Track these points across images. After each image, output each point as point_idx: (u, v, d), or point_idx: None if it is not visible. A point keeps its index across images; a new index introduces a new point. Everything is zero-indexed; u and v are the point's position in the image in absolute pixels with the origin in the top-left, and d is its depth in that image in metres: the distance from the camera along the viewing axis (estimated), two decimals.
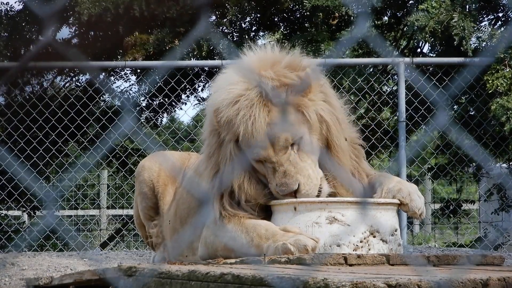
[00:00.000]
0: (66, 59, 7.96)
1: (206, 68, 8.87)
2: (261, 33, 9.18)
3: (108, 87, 9.03)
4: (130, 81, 9.23)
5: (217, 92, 4.10)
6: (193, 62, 8.47)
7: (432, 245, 9.47)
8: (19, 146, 8.13)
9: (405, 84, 7.85)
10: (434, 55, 8.73)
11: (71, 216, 10.88)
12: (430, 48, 8.82)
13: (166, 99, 9.04)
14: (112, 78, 9.19)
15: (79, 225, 10.52)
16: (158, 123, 9.24)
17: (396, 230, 3.97)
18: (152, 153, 5.68)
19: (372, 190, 4.06)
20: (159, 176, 5.10)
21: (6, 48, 8.26)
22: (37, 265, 5.82)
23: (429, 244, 9.78)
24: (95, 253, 7.52)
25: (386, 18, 9.05)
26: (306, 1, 8.09)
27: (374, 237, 3.88)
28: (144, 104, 9.25)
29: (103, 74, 9.09)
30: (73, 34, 8.81)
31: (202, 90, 9.21)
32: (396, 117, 8.35)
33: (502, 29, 8.33)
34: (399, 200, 3.97)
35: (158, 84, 8.63)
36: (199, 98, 9.23)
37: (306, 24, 8.82)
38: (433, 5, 7.76)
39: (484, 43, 7.98)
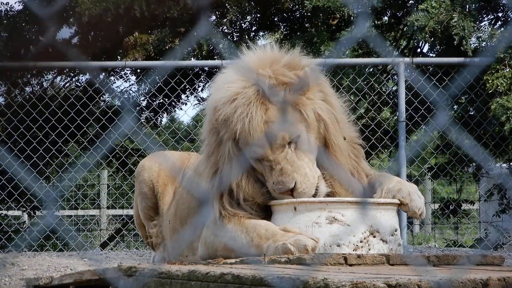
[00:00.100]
0: (66, 59, 7.96)
1: (206, 68, 8.88)
2: (261, 33, 9.18)
3: (108, 87, 9.03)
4: (130, 81, 9.25)
5: (216, 91, 4.10)
6: (193, 62, 8.48)
7: (432, 245, 9.47)
8: (19, 146, 8.13)
9: (405, 84, 7.85)
10: (434, 55, 8.73)
11: (71, 216, 10.87)
12: (430, 48, 8.82)
13: (166, 99, 9.04)
14: (112, 78, 9.19)
15: (79, 225, 10.51)
16: (158, 123, 9.25)
17: (396, 230, 3.97)
18: (152, 153, 5.68)
19: (372, 190, 4.06)
20: (159, 176, 5.10)
21: (6, 48, 8.26)
22: (37, 265, 5.82)
23: (429, 244, 9.78)
24: (95, 253, 7.52)
25: (386, 18, 9.05)
26: (307, 2, 8.09)
27: (374, 237, 3.88)
28: (144, 104, 9.25)
29: (103, 74, 9.09)
30: (73, 34, 8.81)
31: (202, 90, 9.22)
32: (396, 117, 8.35)
33: (502, 29, 8.33)
34: (399, 200, 3.97)
35: (158, 84, 8.63)
36: (199, 98, 9.24)
37: (306, 25, 8.82)
38: (433, 5, 7.76)
39: (484, 43, 7.98)
